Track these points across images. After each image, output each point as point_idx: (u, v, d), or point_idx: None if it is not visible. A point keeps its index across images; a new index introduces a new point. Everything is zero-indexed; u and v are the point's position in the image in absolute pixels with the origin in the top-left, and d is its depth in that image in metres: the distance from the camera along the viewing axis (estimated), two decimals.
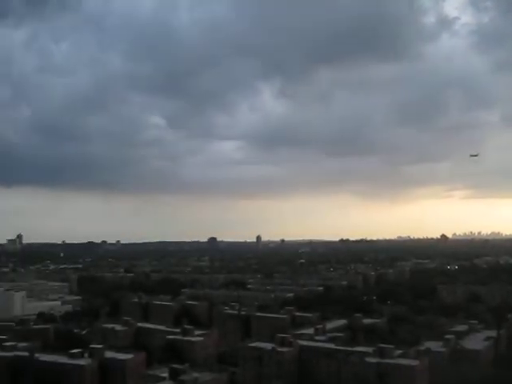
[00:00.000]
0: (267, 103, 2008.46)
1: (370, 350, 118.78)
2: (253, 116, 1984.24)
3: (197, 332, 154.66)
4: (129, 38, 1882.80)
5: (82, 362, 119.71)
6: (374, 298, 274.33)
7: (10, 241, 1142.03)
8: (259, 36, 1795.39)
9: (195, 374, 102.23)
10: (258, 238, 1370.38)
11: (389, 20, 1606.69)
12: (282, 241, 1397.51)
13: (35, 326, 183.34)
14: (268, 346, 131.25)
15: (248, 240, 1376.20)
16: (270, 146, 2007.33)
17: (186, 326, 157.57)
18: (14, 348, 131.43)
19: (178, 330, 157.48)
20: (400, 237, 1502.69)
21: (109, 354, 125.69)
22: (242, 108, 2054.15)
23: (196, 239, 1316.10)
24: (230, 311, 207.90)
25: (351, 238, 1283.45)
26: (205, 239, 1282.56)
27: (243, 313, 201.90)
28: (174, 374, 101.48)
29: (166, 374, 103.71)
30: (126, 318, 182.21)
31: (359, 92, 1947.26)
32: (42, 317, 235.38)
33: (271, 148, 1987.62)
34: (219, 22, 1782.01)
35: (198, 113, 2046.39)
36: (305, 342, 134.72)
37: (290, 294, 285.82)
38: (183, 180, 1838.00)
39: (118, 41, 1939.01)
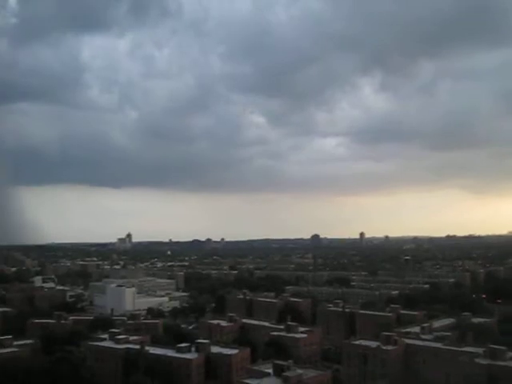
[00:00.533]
0: (368, 98, 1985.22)
1: (479, 350, 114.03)
2: (353, 111, 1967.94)
3: (300, 329, 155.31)
4: (228, 39, 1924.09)
5: (189, 355, 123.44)
6: (483, 296, 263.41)
7: (120, 240, 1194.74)
8: (357, 30, 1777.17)
9: (299, 371, 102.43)
10: (362, 234, 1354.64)
11: (495, 6, 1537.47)
12: (386, 237, 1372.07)
13: (145, 321, 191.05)
14: (372, 344, 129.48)
15: (351, 237, 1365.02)
16: (371, 141, 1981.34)
17: (289, 323, 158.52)
18: (126, 341, 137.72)
19: (281, 327, 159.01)
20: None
21: (214, 349, 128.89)
22: (342, 104, 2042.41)
23: (299, 236, 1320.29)
24: (334, 308, 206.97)
25: (458, 234, 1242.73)
26: (308, 236, 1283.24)
27: (347, 310, 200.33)
28: (278, 370, 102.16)
29: (270, 370, 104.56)
30: (230, 314, 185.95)
31: (464, 82, 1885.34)
32: (152, 312, 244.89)
33: (373, 143, 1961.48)
34: (316, 17, 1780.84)
35: (298, 110, 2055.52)
36: (411, 341, 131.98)
37: (395, 292, 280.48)
38: (286, 178, 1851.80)
39: (217, 43, 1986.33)
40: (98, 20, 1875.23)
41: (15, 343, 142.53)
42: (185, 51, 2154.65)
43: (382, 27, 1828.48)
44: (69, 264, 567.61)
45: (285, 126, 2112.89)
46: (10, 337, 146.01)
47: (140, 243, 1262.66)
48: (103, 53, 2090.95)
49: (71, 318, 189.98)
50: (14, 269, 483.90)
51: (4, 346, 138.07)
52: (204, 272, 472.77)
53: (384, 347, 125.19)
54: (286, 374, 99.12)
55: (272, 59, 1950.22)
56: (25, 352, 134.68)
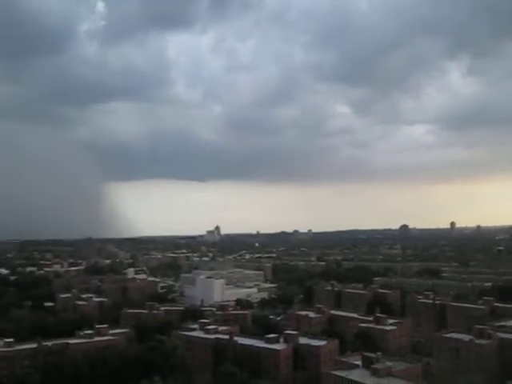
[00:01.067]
0: (455, 83, 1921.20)
1: None
2: (441, 97, 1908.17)
3: (389, 321, 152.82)
4: (311, 28, 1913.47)
5: (277, 346, 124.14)
6: None
7: (209, 232, 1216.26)
8: (443, 12, 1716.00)
9: (388, 363, 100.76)
10: (452, 224, 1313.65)
11: None
12: (478, 227, 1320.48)
13: (234, 312, 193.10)
14: (465, 337, 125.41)
15: (441, 227, 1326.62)
16: (460, 127, 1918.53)
17: (378, 315, 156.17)
18: (215, 331, 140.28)
19: (370, 319, 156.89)
20: None
21: (303, 340, 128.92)
22: (429, 90, 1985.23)
23: (387, 227, 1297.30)
24: (424, 300, 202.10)
25: None
26: (396, 227, 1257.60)
27: (437, 302, 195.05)
28: (366, 362, 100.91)
29: (358, 362, 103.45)
30: (318, 306, 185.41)
31: None
32: (240, 303, 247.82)
33: (462, 130, 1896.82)
34: (399, 2, 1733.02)
35: (383, 98, 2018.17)
36: (505, 335, 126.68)
37: (488, 284, 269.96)
38: (373, 167, 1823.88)
39: (300, 32, 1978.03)
40: (181, 17, 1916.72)
41: (111, 332, 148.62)
42: (268, 42, 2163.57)
43: (469, 8, 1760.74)
44: (160, 256, 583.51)
45: (370, 115, 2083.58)
46: (106, 326, 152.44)
47: (228, 235, 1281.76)
48: (187, 49, 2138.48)
49: (162, 308, 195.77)
50: (108, 261, 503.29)
51: (101, 335, 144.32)
52: (292, 263, 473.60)
53: (477, 341, 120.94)
54: (375, 366, 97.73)
55: (355, 47, 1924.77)
56: (119, 340, 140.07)
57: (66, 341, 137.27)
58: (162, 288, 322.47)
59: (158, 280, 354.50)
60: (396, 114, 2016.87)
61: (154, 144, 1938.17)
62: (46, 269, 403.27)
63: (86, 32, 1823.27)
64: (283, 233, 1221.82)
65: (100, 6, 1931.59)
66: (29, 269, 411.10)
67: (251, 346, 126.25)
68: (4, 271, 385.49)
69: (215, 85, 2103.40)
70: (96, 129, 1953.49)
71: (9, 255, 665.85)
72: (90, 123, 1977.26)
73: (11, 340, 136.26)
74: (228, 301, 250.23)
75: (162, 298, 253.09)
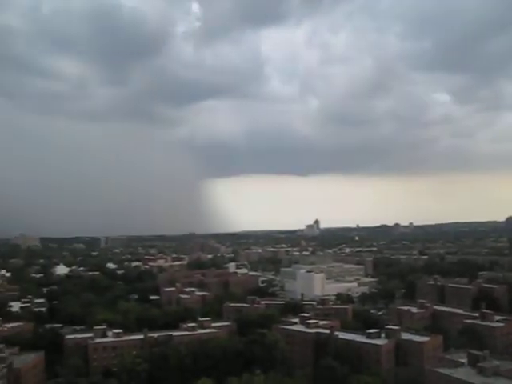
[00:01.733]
0: None
1: None
2: None
3: (496, 317, 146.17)
4: (404, 16, 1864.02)
5: (378, 341, 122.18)
6: None
7: (308, 226, 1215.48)
8: None
9: (496, 362, 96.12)
10: None
11: None
12: None
13: (334, 306, 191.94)
14: None
15: None
16: None
17: (484, 311, 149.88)
18: (316, 325, 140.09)
19: (475, 315, 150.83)
20: None
21: (405, 336, 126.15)
22: None
23: (491, 219, 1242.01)
24: None
25: None
26: (502, 219, 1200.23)
27: None
28: (472, 360, 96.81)
29: (463, 360, 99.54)
30: (421, 301, 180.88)
31: None
32: (340, 297, 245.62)
33: None
34: None
35: (485, 84, 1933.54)
36: None
37: None
38: (475, 157, 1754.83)
39: (393, 21, 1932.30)
40: (274, 13, 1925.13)
41: (213, 325, 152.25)
42: (361, 33, 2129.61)
43: None
44: (260, 251, 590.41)
45: (471, 102, 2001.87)
46: (208, 319, 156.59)
47: (327, 229, 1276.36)
48: (281, 44, 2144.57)
49: (263, 302, 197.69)
50: (209, 256, 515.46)
51: (203, 327, 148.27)
52: (393, 257, 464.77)
53: None
54: (482, 364, 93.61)
55: (452, 33, 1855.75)
56: (222, 333, 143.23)
57: (170, 333, 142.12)
58: (263, 282, 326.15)
59: (258, 274, 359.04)
60: (500, 101, 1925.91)
61: (251, 140, 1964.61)
62: (150, 263, 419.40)
63: (183, 33, 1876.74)
64: (384, 226, 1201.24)
65: (195, 7, 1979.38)
66: (134, 264, 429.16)
67: (352, 340, 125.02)
68: (112, 266, 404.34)
69: (310, 79, 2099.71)
70: (194, 127, 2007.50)
71: (116, 251, 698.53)
72: (188, 122, 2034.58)
73: (120, 331, 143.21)
74: (328, 295, 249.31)
75: (262, 292, 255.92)
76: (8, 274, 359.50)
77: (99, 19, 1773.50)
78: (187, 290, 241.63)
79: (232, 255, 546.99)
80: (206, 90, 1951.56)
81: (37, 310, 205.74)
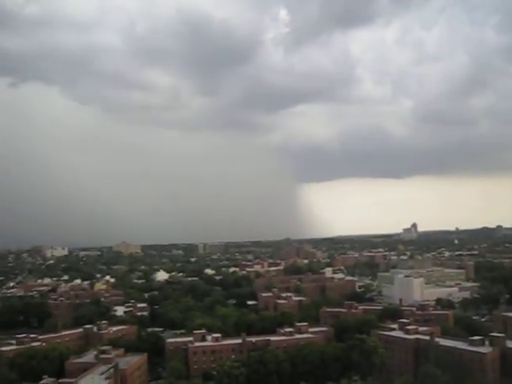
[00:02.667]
0: None
1: None
2: None
3: None
4: (501, 8, 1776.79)
5: (482, 349, 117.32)
6: None
7: (405, 230, 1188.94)
8: None
9: None
10: None
11: None
12: None
13: (434, 312, 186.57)
14: None
15: None
16: None
17: None
18: (415, 331, 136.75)
19: None
20: None
21: (510, 344, 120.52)
22: None
23: None
24: None
25: None
26: None
27: None
28: None
29: None
30: None
31: None
32: (441, 303, 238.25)
33: None
34: None
35: None
36: None
37: None
38: None
39: (489, 14, 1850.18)
40: (363, 14, 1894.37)
41: (310, 330, 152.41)
42: (455, 28, 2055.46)
43: None
44: (356, 255, 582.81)
45: None
46: (305, 324, 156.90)
47: (425, 232, 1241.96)
48: (372, 45, 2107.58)
49: (361, 307, 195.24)
50: (306, 261, 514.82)
51: (301, 332, 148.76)
52: (495, 261, 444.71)
53: None
54: None
55: None
56: (319, 338, 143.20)
57: (267, 337, 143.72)
58: (360, 287, 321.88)
59: (355, 279, 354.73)
60: None
61: (344, 144, 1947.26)
62: (247, 269, 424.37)
63: (272, 40, 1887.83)
64: (485, 228, 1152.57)
65: (283, 13, 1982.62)
66: (232, 269, 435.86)
67: (454, 348, 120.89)
68: (210, 271, 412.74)
69: (403, 78, 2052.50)
70: (287, 133, 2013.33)
71: (214, 257, 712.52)
72: (281, 127, 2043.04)
73: (218, 335, 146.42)
74: (428, 300, 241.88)
75: (359, 297, 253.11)
76: (112, 280, 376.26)
77: (191, 33, 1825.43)
78: (284, 295, 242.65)
79: (328, 260, 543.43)
80: (297, 95, 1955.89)
81: (139, 314, 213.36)
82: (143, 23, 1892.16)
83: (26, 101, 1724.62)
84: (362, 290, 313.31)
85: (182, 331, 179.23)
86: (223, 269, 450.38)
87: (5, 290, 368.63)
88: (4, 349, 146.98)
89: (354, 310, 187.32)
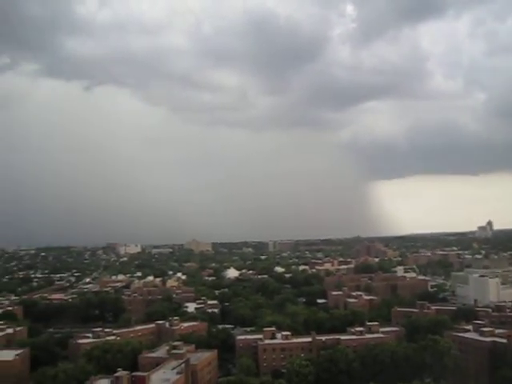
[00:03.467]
0: None
1: None
2: None
3: None
4: None
5: None
6: None
7: (480, 228, 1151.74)
8: None
9: None
10: None
11: None
12: None
13: (511, 313, 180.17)
14: None
15: None
16: None
17: None
18: (491, 334, 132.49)
19: None
20: None
21: None
22: None
23: None
24: None
25: None
26: None
27: None
28: None
29: None
30: None
31: None
32: None
33: None
34: None
35: None
36: None
37: None
38: None
39: None
40: (433, 6, 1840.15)
41: (381, 329, 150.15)
42: None
43: None
44: (429, 254, 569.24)
45: None
46: (376, 323, 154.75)
47: (501, 231, 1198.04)
48: (442, 38, 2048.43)
49: (433, 307, 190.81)
50: (376, 259, 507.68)
51: (371, 332, 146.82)
52: None
53: None
54: None
55: None
56: (390, 338, 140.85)
57: (337, 336, 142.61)
58: (432, 287, 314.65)
59: (427, 278, 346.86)
60: None
61: (415, 140, 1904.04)
62: (317, 267, 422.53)
63: (339, 36, 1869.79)
64: None
65: (349, 8, 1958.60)
66: (302, 267, 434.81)
67: None
68: (280, 269, 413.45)
69: (476, 71, 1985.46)
70: (356, 129, 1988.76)
71: (283, 254, 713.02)
72: (350, 124, 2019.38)
73: (288, 333, 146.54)
74: (504, 301, 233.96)
75: (432, 297, 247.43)
76: (183, 277, 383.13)
77: (257, 31, 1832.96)
78: (354, 293, 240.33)
79: (399, 259, 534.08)
80: (366, 91, 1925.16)
81: (210, 311, 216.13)
82: (210, 24, 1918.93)
83: (100, 103, 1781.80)
84: (435, 289, 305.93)
85: (252, 328, 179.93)
86: (293, 267, 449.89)
87: (81, 286, 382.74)
88: (81, 342, 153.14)
89: (426, 310, 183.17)
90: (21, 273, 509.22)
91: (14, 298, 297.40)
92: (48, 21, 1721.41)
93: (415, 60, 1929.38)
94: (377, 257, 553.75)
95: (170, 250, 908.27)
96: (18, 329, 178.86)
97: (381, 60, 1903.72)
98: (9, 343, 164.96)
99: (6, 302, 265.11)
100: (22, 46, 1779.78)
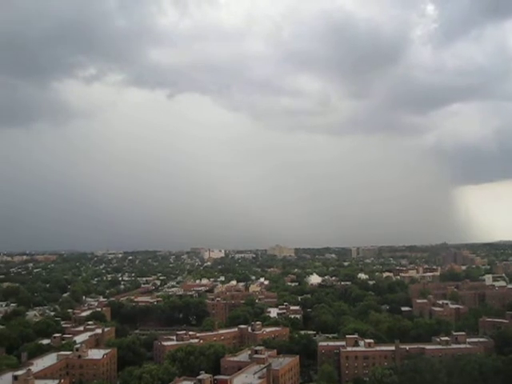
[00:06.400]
0: None
1: None
2: None
3: None
4: None
5: None
6: None
7: None
8: None
9: None
10: None
11: None
12: None
13: None
14: None
15: None
16: None
17: None
18: None
19: None
20: None
21: None
22: None
23: None
24: None
25: None
26: None
27: None
28: None
29: None
30: None
31: None
32: None
33: None
34: None
35: None
36: None
37: None
38: None
39: None
40: None
41: (468, 340, 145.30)
42: None
43: None
44: None
45: None
46: (463, 333, 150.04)
47: None
48: None
49: None
50: (463, 267, 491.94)
51: (458, 342, 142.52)
52: None
53: None
54: None
55: None
56: (478, 349, 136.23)
57: (422, 345, 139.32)
58: None
59: None
60: None
61: (504, 142, 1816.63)
62: (401, 274, 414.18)
63: (420, 37, 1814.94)
64: None
65: (430, 8, 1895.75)
66: (385, 274, 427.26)
67: None
68: (363, 276, 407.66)
69: None
70: (441, 133, 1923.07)
71: (367, 261, 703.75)
72: (435, 128, 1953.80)
73: (371, 341, 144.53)
74: None
75: None
76: (266, 282, 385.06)
77: (336, 35, 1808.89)
78: (440, 302, 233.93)
79: (488, 266, 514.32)
80: (449, 93, 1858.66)
81: (292, 316, 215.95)
82: (289, 29, 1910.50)
83: (182, 110, 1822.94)
84: None
85: (335, 335, 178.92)
86: (376, 273, 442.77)
87: (166, 289, 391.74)
88: (166, 343, 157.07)
89: None
90: (109, 275, 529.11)
91: (102, 299, 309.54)
92: (132, 32, 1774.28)
93: (501, 59, 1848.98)
94: (464, 264, 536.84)
95: (253, 255, 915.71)
96: (106, 329, 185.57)
97: (464, 60, 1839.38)
98: (97, 343, 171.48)
99: (95, 304, 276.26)
100: (108, 57, 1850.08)
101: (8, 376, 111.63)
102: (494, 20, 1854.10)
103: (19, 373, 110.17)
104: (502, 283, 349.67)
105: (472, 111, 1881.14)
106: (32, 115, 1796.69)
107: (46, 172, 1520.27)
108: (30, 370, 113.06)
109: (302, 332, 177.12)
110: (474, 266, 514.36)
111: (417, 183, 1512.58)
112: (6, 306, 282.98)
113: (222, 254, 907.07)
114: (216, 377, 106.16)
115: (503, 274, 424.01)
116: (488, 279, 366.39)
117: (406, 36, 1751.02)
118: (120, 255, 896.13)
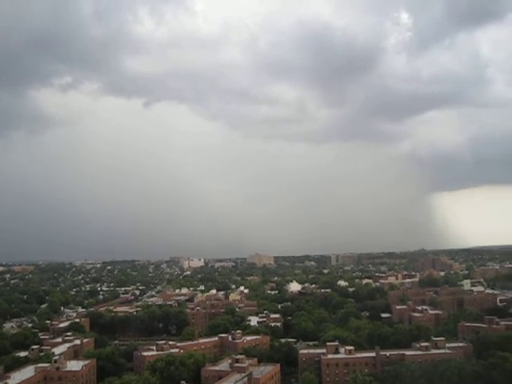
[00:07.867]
0: None
1: None
2: None
3: None
4: None
5: None
6: None
7: None
8: None
9: None
10: None
11: None
12: None
13: None
14: None
15: None
16: None
17: None
18: None
19: None
20: None
21: None
22: None
23: None
24: None
25: None
26: None
27: None
28: None
29: None
30: None
31: None
32: None
33: None
34: None
35: None
36: None
37: None
38: None
39: None
40: (491, 10, 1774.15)
41: (448, 345, 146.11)
42: None
43: None
44: (497, 267, 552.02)
45: None
46: (442, 338, 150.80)
47: None
48: (503, 43, 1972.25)
49: (503, 323, 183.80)
50: (442, 273, 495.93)
51: (437, 347, 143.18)
52: None
53: None
54: None
55: None
56: (457, 354, 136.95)
57: (402, 351, 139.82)
58: (502, 301, 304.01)
59: (496, 293, 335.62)
60: None
61: (479, 149, 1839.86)
62: (381, 281, 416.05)
63: (394, 45, 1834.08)
64: None
65: (404, 17, 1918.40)
66: (365, 281, 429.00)
67: None
68: (343, 283, 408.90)
69: None
70: (417, 140, 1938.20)
71: (346, 268, 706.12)
72: (410, 135, 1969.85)
73: (351, 348, 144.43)
74: None
75: (501, 312, 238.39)
76: (246, 291, 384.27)
77: (313, 44, 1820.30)
78: (419, 307, 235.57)
79: (466, 272, 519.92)
80: (424, 101, 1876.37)
81: (272, 324, 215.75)
82: (266, 38, 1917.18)
83: (158, 118, 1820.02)
84: (504, 304, 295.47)
85: (315, 342, 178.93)
86: (356, 280, 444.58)
87: (146, 299, 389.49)
88: (146, 354, 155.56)
89: (495, 326, 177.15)
90: (87, 286, 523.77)
91: (81, 310, 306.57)
92: (109, 41, 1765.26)
93: (475, 67, 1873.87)
94: (442, 270, 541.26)
95: (233, 263, 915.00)
96: (85, 340, 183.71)
97: (438, 68, 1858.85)
98: (76, 354, 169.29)
99: (74, 314, 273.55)
100: (85, 65, 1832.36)
101: None
102: (466, 28, 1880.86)
103: None
104: (480, 288, 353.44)
105: (447, 119, 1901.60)
106: (8, 124, 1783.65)
107: (22, 181, 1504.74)
108: (6, 383, 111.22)
109: (283, 340, 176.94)
110: (452, 272, 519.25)
111: (394, 190, 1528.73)
112: None
113: (202, 263, 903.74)
114: None
115: (481, 279, 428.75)
116: (466, 284, 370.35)
117: (381, 45, 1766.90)
118: (98, 265, 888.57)
